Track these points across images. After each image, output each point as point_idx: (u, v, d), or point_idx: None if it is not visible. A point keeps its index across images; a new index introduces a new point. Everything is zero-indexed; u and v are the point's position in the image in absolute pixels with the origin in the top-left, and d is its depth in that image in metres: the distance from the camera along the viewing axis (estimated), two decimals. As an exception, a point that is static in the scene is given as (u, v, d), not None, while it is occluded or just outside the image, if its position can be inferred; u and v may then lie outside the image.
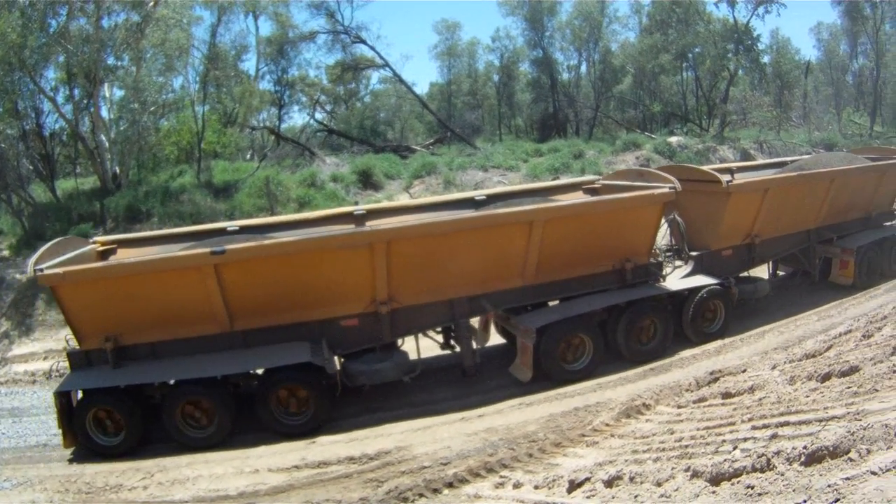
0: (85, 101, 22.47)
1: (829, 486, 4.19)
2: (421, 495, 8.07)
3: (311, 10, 36.17)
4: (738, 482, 5.11)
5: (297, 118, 46.05)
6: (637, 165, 27.34)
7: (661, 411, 9.44)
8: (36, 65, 20.20)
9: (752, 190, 13.99)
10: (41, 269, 9.91)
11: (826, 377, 7.45)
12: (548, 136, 39.24)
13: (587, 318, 12.14)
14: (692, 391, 9.98)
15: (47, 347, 15.53)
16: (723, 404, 8.44)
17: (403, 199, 22.10)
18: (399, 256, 11.07)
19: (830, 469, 4.54)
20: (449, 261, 11.48)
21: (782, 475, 4.83)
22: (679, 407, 9.31)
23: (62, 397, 10.18)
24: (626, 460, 7.27)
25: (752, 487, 4.84)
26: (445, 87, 46.46)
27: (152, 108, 23.53)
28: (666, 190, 12.42)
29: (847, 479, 4.17)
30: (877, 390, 6.05)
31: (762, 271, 16.04)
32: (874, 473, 4.06)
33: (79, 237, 13.21)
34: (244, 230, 12.36)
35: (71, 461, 10.39)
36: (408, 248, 11.16)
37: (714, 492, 5.19)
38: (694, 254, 13.74)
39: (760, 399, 7.77)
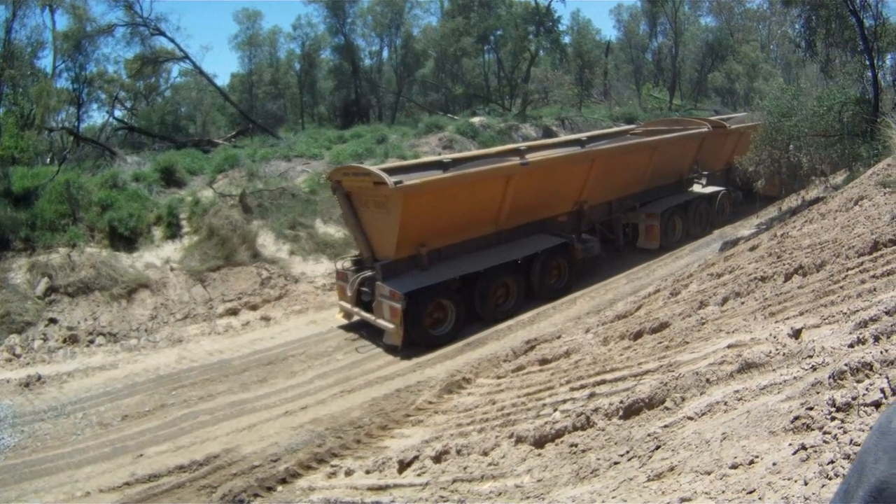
0: None
1: (648, 435, 4.26)
2: (256, 495, 7.81)
3: (109, 3, 34.05)
4: (561, 442, 5.15)
5: (96, 117, 43.34)
6: (440, 147, 27.77)
7: (482, 383, 9.55)
8: None
9: (732, 133, 21.14)
10: (400, 182, 12.05)
11: (638, 335, 7.74)
12: (351, 123, 38.79)
13: (680, 207, 18.83)
14: (510, 361, 10.19)
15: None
16: (540, 370, 8.62)
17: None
18: (598, 169, 15.98)
19: (649, 419, 4.64)
20: (613, 173, 16.62)
21: (603, 430, 4.89)
22: (498, 377, 9.46)
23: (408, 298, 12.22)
24: (452, 434, 7.27)
25: (576, 445, 4.87)
26: (247, 78, 45.16)
27: (-58, 113, 21.02)
28: (706, 129, 20.32)
29: (665, 426, 4.25)
30: (687, 342, 6.30)
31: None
32: (690, 419, 4.15)
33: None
34: (455, 161, 14.89)
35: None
36: (605, 162, 16.25)
37: (539, 454, 5.20)
38: (705, 173, 20.59)
39: (576, 362, 7.97)
